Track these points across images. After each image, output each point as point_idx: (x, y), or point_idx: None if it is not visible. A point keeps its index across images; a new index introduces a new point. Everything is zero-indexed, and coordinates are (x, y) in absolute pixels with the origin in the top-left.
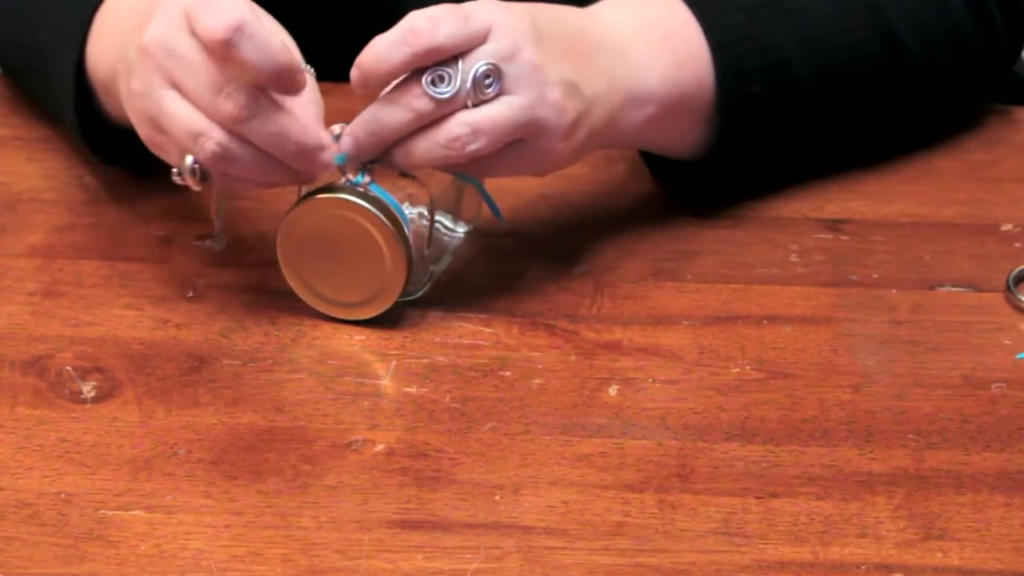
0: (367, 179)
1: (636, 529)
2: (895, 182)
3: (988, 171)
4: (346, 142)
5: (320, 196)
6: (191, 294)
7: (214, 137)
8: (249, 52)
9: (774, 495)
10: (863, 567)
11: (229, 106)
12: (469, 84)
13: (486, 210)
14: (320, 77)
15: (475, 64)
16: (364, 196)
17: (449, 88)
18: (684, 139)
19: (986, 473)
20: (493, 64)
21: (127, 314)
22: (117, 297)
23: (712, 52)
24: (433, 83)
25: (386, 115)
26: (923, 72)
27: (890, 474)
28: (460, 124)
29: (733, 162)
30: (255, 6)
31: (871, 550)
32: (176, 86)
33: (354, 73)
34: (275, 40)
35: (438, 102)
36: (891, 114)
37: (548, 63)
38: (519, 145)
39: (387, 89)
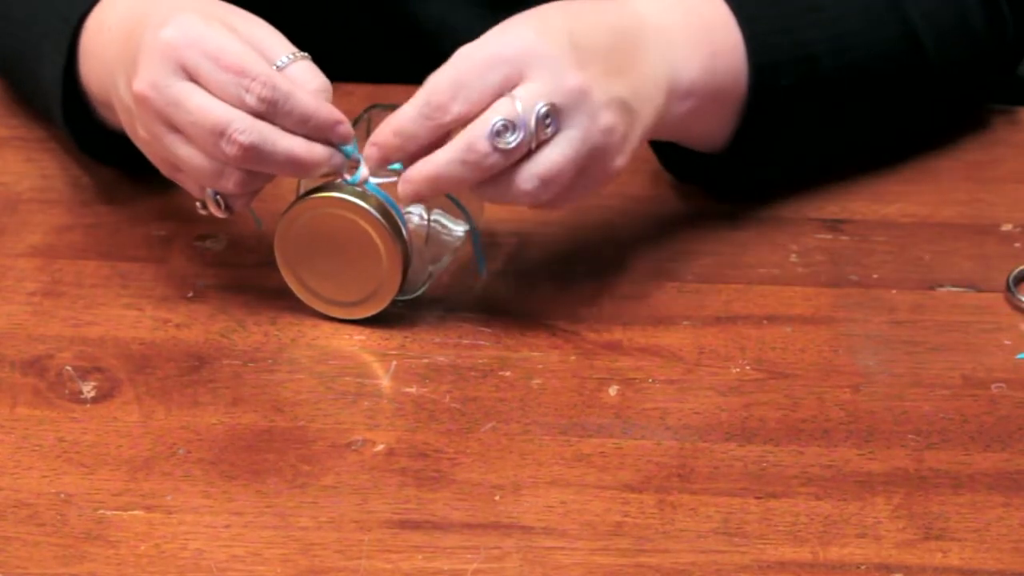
0: (365, 174)
1: (636, 529)
2: (895, 182)
3: (988, 171)
4: (405, 192)
5: (317, 195)
6: (191, 294)
7: (235, 173)
8: (283, 119)
9: (773, 495)
10: (863, 567)
11: (232, 149)
12: (533, 128)
13: (487, 209)
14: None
15: (535, 108)
16: (360, 195)
17: (515, 136)
18: (716, 131)
19: (986, 473)
20: (551, 103)
21: (127, 314)
22: (117, 297)
23: (746, 44)
24: (498, 134)
25: (452, 172)
26: (939, 72)
27: (890, 474)
28: (529, 180)
29: (755, 155)
30: (232, 7)
31: (871, 550)
32: (178, 131)
33: (372, 151)
34: (307, 100)
35: (507, 153)
36: (905, 112)
37: (594, 84)
38: (579, 172)
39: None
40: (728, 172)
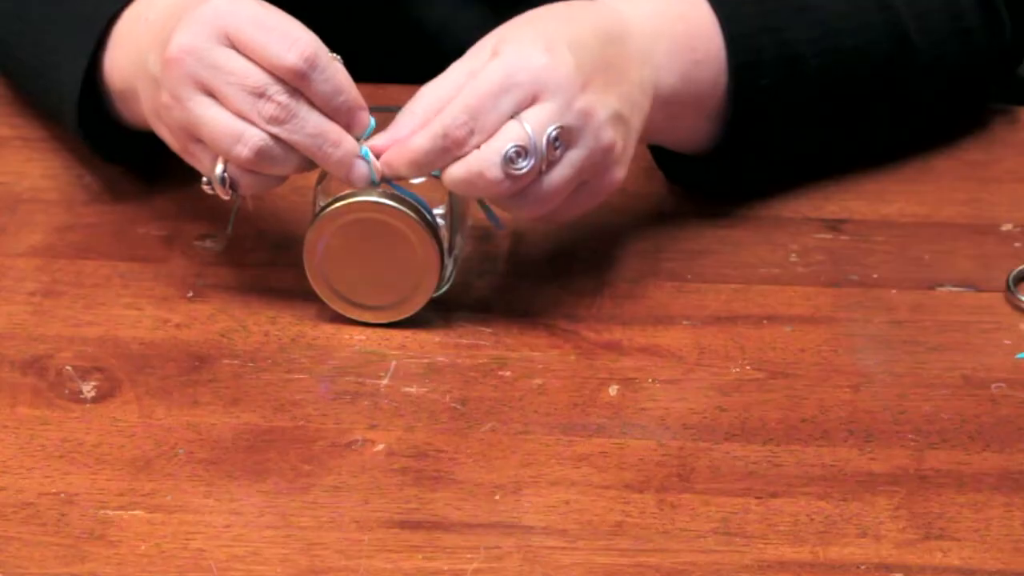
0: (379, 172)
1: (636, 529)
2: (895, 182)
3: (988, 171)
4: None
5: (348, 200)
6: (191, 294)
7: (255, 138)
8: (320, 85)
9: (774, 495)
10: (863, 567)
11: (270, 108)
12: (544, 151)
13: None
14: None
15: (546, 132)
16: (393, 196)
17: (527, 163)
18: (695, 134)
19: (986, 473)
20: (560, 126)
21: (127, 314)
22: (117, 297)
23: (727, 46)
24: (511, 160)
25: (462, 192)
26: (931, 74)
27: (890, 474)
28: (534, 199)
29: (739, 156)
30: (267, 5)
31: (871, 550)
32: (210, 93)
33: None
34: (343, 76)
35: (518, 178)
36: (896, 114)
37: (597, 102)
38: (581, 186)
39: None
40: (715, 172)
